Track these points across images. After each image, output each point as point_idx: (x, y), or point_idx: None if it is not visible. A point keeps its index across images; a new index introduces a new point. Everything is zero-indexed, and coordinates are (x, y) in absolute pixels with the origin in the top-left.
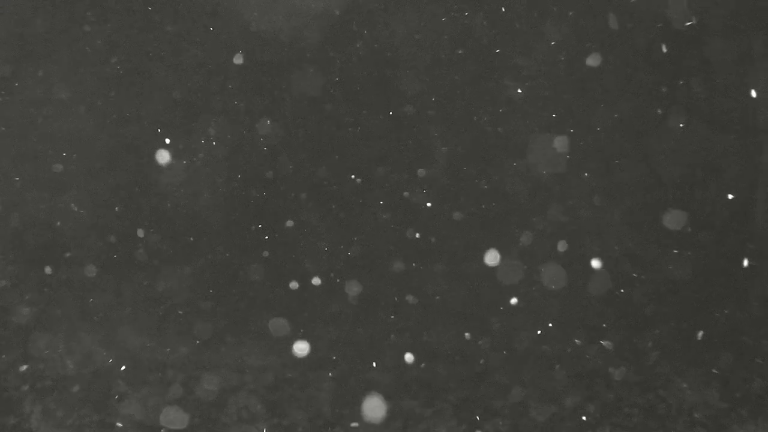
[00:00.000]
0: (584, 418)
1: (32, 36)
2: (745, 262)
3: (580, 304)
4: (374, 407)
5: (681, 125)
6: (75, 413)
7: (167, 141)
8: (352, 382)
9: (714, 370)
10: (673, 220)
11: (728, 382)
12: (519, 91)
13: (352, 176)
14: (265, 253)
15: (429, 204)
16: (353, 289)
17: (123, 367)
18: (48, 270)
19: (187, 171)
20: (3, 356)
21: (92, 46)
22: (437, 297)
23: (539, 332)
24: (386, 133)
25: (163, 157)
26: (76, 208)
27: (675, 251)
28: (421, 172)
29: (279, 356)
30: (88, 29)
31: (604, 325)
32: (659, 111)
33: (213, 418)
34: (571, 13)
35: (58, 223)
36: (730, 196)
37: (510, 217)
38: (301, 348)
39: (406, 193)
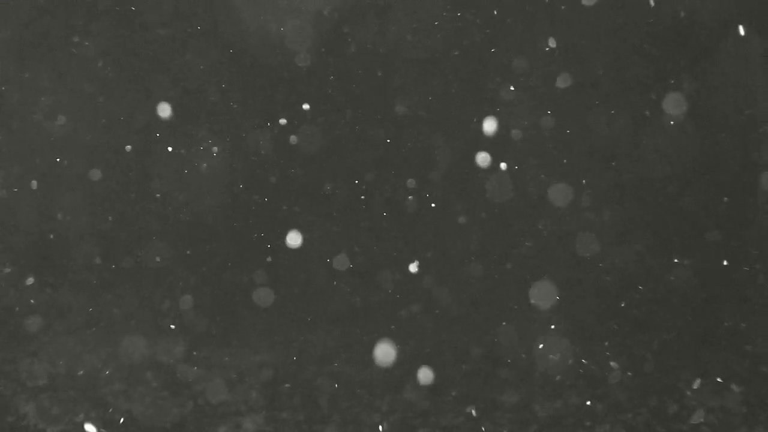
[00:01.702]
0: (587, 409)
1: (23, 40)
2: (747, 267)
3: (582, 311)
4: (373, 399)
5: (680, 125)
6: (72, 411)
7: (168, 147)
8: (351, 378)
9: (718, 379)
10: (673, 103)
11: (732, 389)
12: (512, 88)
13: (355, 181)
14: (267, 258)
15: (433, 206)
16: (354, 290)
17: (120, 366)
18: (46, 272)
19: (184, 175)
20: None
21: (85, 51)
22: (439, 301)
23: (541, 346)
24: (386, 135)
25: (161, 160)
26: (72, 213)
27: (676, 260)
28: (422, 175)
29: (278, 354)
30: (77, 38)
31: (606, 343)
32: (659, 110)
33: (210, 412)
34: (563, 8)
35: (55, 227)
36: (731, 198)
37: (510, 222)
38: (293, 238)
39: (410, 197)
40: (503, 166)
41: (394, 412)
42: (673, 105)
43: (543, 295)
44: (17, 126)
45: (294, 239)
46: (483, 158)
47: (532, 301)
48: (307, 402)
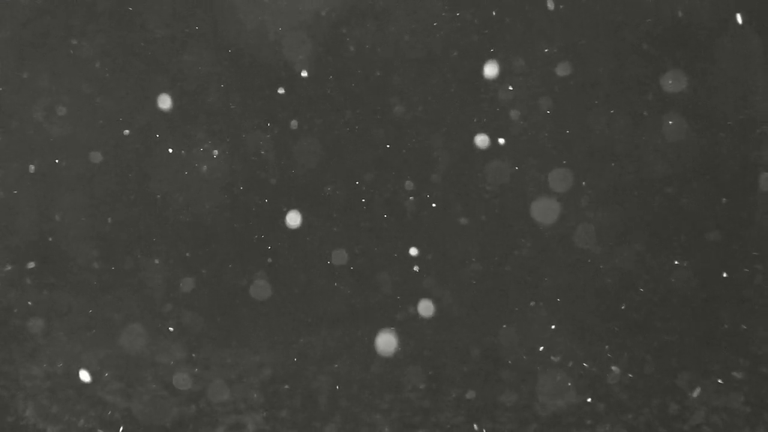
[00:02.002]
0: (588, 408)
1: (20, 40)
2: (747, 268)
3: (584, 314)
4: (373, 398)
5: (680, 125)
6: (71, 411)
7: (166, 148)
8: (350, 377)
9: (719, 380)
10: (674, 80)
11: (734, 389)
12: (510, 88)
13: (355, 182)
14: (268, 260)
15: (433, 205)
16: (355, 290)
17: (120, 366)
18: (45, 273)
19: (184, 176)
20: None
21: (83, 51)
22: (439, 301)
23: (542, 348)
24: (386, 136)
25: (160, 161)
26: (71, 214)
27: (676, 262)
28: (422, 175)
29: (278, 354)
30: (75, 39)
31: (607, 348)
32: (658, 110)
33: (210, 412)
34: (561, 7)
35: (54, 228)
36: (732, 199)
37: (510, 224)
38: (293, 218)
39: (410, 198)
40: (502, 166)
41: (393, 410)
42: (673, 105)
43: (545, 213)
44: (15, 126)
45: (293, 219)
46: (482, 159)
47: (535, 219)
48: (307, 401)
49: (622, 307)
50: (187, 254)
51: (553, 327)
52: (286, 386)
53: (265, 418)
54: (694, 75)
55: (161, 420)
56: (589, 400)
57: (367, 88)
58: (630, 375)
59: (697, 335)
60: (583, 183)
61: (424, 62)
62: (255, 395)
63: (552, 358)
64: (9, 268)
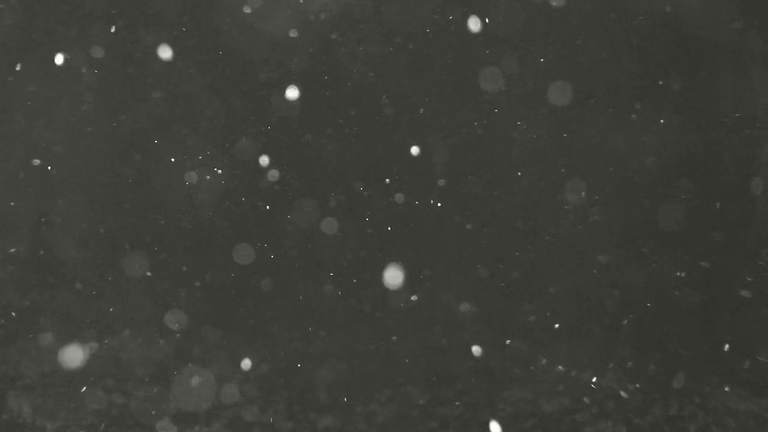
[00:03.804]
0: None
1: (14, 41)
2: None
3: (586, 318)
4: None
5: (681, 124)
6: (70, 408)
7: (165, 155)
8: (351, 373)
9: (726, 388)
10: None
11: (740, 396)
12: (505, 89)
13: (358, 186)
14: (270, 265)
15: (438, 206)
16: (357, 292)
17: (118, 363)
18: (44, 273)
19: (180, 181)
20: None
21: (73, 55)
22: (441, 304)
23: (544, 361)
24: (384, 139)
25: (155, 167)
26: (73, 218)
27: (679, 273)
28: (423, 178)
29: (275, 351)
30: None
31: (609, 363)
32: (658, 109)
33: (209, 406)
34: (555, 3)
35: (55, 230)
36: (739, 203)
37: (511, 231)
38: (291, 96)
39: (414, 202)
40: (501, 169)
41: (391, 402)
42: (675, 106)
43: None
44: (6, 131)
45: (292, 93)
46: (482, 164)
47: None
48: (305, 395)
49: (622, 310)
50: (186, 255)
51: (556, 326)
52: (284, 381)
53: (263, 410)
54: (697, 75)
55: (159, 414)
56: (588, 402)
57: (365, 90)
58: (637, 385)
59: (700, 340)
60: (581, 185)
61: (421, 64)
62: (254, 390)
63: (559, 367)
64: (5, 269)
